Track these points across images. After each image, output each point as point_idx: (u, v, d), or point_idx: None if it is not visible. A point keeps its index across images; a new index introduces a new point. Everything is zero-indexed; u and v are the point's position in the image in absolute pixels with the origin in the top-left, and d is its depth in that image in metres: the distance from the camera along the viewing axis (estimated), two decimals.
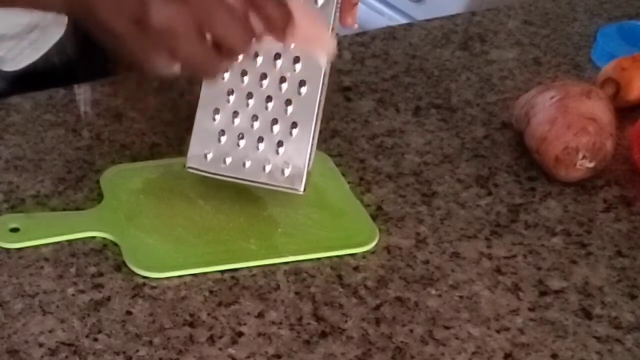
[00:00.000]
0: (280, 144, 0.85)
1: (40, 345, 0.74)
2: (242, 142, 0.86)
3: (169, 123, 0.99)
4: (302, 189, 0.85)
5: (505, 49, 1.18)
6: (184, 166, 0.87)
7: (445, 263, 0.86)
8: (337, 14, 0.83)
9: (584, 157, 0.93)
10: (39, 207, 0.87)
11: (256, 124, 0.85)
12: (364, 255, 0.85)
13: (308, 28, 0.79)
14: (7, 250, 0.82)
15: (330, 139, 0.91)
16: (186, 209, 0.87)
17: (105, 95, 1.04)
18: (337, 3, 0.83)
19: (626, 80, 1.06)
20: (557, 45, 1.20)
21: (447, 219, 0.91)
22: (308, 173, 0.85)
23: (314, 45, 0.81)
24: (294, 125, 0.84)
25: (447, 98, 1.08)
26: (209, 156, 0.86)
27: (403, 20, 1.99)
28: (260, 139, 0.85)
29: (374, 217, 0.89)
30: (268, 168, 0.85)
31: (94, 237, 0.84)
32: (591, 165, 0.94)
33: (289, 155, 0.85)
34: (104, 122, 0.99)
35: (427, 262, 0.85)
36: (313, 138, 0.85)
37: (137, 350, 0.75)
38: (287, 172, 0.85)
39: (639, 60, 1.08)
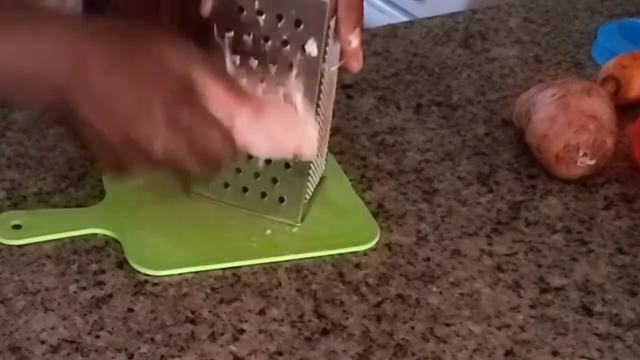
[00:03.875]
0: (275, 180, 0.85)
1: (42, 342, 0.75)
2: (240, 175, 0.86)
3: None
4: (298, 221, 0.86)
5: (506, 46, 1.18)
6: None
7: (446, 260, 0.86)
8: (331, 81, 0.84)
9: (584, 154, 0.93)
10: (41, 204, 0.87)
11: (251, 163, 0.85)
12: (365, 253, 0.85)
13: (285, 129, 0.76)
14: (9, 247, 0.82)
15: (332, 136, 0.91)
16: (188, 206, 0.87)
17: None
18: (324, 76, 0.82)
19: (627, 78, 1.06)
20: (558, 43, 1.20)
21: (448, 216, 0.91)
22: (306, 204, 0.86)
23: (295, 144, 0.77)
24: (287, 165, 0.84)
25: (448, 96, 1.08)
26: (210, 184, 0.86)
27: (404, 18, 1.98)
28: (257, 175, 0.86)
29: (375, 215, 0.89)
30: (266, 199, 0.86)
31: (95, 235, 0.84)
32: (591, 162, 0.94)
33: (285, 190, 0.85)
34: None
35: (428, 259, 0.86)
36: (311, 175, 0.85)
37: (139, 347, 0.75)
38: (284, 204, 0.86)
39: (639, 58, 1.08)
